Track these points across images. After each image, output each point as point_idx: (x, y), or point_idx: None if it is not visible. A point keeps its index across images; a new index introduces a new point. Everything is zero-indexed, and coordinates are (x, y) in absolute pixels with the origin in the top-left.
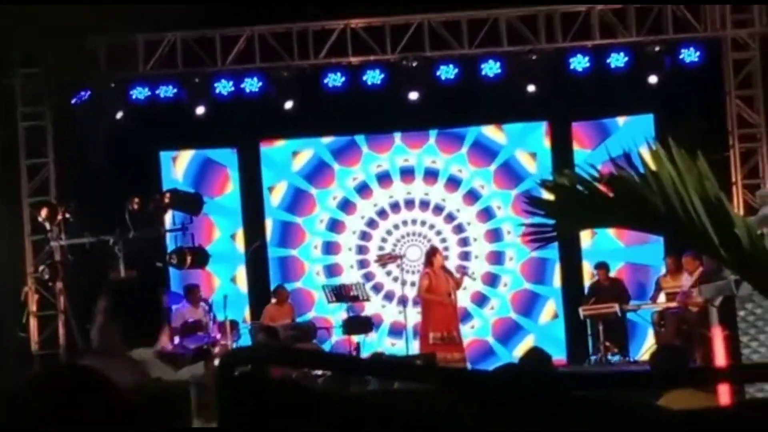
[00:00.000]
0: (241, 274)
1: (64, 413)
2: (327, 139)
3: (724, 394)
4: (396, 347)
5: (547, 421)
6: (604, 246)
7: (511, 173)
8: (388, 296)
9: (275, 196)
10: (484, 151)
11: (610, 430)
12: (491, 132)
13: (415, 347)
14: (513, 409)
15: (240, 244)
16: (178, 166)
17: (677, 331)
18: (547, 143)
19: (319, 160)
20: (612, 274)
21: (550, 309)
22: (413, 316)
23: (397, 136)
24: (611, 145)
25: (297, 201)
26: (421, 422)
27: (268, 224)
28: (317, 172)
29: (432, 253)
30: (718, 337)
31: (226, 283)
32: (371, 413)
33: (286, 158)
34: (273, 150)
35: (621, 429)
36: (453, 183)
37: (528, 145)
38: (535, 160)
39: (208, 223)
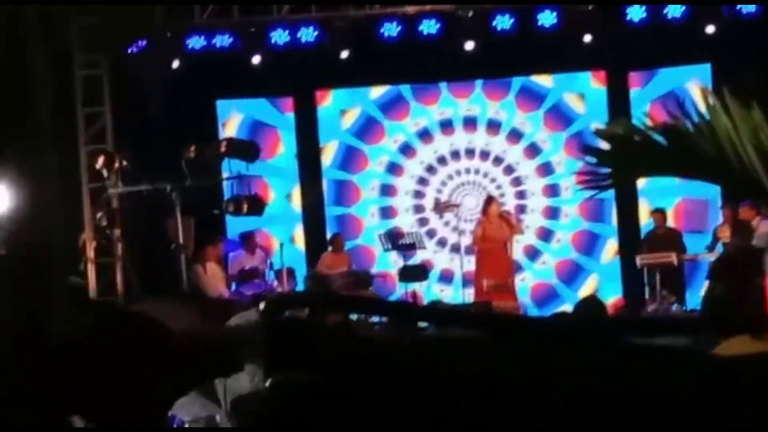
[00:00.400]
0: (299, 233)
1: (118, 358)
2: (375, 95)
3: None
4: (445, 293)
5: (602, 369)
6: (659, 183)
7: (560, 116)
8: (441, 243)
9: (326, 155)
10: (531, 96)
11: (664, 378)
12: (538, 78)
13: (466, 295)
14: (568, 357)
15: (296, 204)
16: (228, 131)
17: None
18: (594, 85)
19: (367, 117)
20: (670, 210)
21: (612, 247)
22: (466, 264)
23: (444, 87)
24: (661, 83)
25: (349, 159)
26: (475, 369)
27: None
28: (367, 129)
29: (488, 202)
30: None
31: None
32: (420, 360)
33: (335, 117)
34: (321, 109)
35: (675, 376)
36: (515, 135)
37: (575, 88)
38: (583, 102)
39: (262, 184)
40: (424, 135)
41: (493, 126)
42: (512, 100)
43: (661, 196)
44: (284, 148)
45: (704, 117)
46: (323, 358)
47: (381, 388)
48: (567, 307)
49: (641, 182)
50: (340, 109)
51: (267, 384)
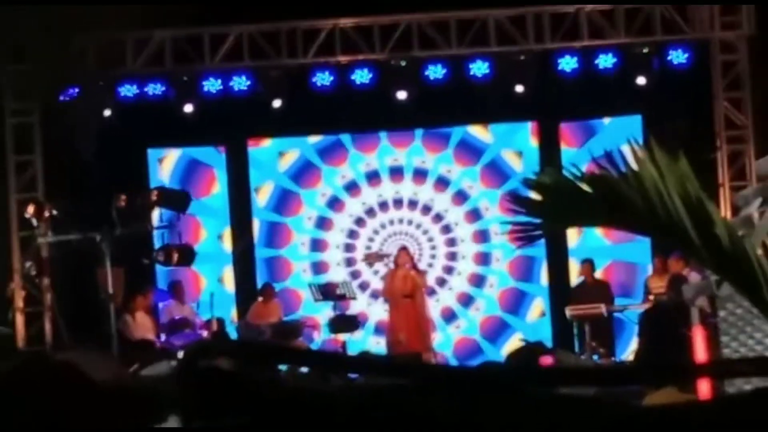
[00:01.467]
0: (229, 274)
1: (39, 407)
2: (313, 140)
3: (704, 392)
4: (381, 345)
5: (527, 418)
6: (590, 244)
7: (497, 172)
8: (374, 295)
9: (261, 196)
10: (469, 150)
11: (588, 428)
12: (477, 131)
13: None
14: (495, 405)
15: (227, 244)
16: (164, 167)
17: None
18: (533, 142)
19: (305, 161)
20: (598, 272)
21: (538, 307)
22: None
23: (384, 136)
24: (597, 145)
25: (284, 201)
26: (401, 417)
27: (256, 225)
28: (304, 173)
29: (397, 253)
30: (698, 336)
31: (213, 283)
32: (345, 408)
33: (273, 158)
34: (259, 150)
35: (600, 426)
36: (442, 183)
37: (514, 144)
38: (521, 159)
39: (195, 223)
40: (352, 187)
41: (420, 175)
42: (450, 153)
43: (592, 257)
44: (219, 188)
45: (631, 167)
46: (243, 406)
47: None
48: None
49: (572, 242)
50: (278, 150)
51: None
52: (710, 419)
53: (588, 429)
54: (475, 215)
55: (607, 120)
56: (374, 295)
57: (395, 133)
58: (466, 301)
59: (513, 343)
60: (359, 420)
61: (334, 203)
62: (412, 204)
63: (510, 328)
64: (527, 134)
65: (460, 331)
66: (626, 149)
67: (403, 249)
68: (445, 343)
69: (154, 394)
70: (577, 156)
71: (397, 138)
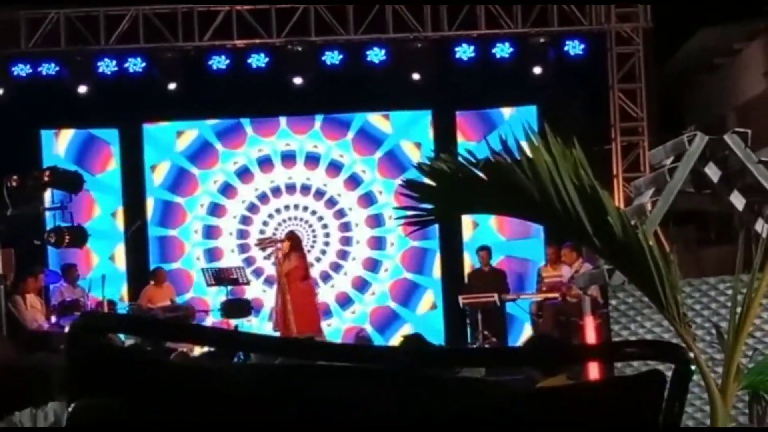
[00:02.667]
0: (120, 252)
1: None
2: (212, 121)
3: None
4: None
5: (422, 397)
6: (485, 238)
7: (395, 162)
8: (269, 281)
9: (158, 175)
10: (369, 139)
11: (478, 407)
12: (377, 120)
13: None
14: (389, 384)
15: (120, 223)
16: (60, 142)
17: (554, 321)
18: (432, 133)
19: (203, 141)
20: (493, 265)
21: (429, 299)
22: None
23: (283, 121)
24: (495, 137)
25: (179, 181)
26: (290, 395)
27: (150, 203)
28: (201, 153)
29: (284, 238)
30: (590, 326)
31: (104, 260)
32: (233, 386)
33: (170, 138)
34: (157, 129)
35: (487, 405)
36: (334, 168)
37: (413, 135)
38: (419, 150)
39: (88, 199)
40: (245, 172)
41: (312, 160)
42: (349, 141)
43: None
44: (114, 165)
45: (525, 154)
46: (128, 382)
47: (188, 413)
48: None
49: (467, 236)
50: (176, 130)
51: (69, 410)
52: (592, 400)
53: (478, 409)
54: (368, 200)
55: (505, 111)
56: (269, 281)
57: (294, 118)
58: (361, 285)
59: (402, 334)
60: (248, 398)
61: (227, 189)
62: (305, 189)
63: (400, 320)
64: (427, 125)
65: (351, 319)
66: (523, 137)
67: (290, 234)
68: (335, 332)
69: (41, 372)
70: (475, 149)
71: (297, 123)
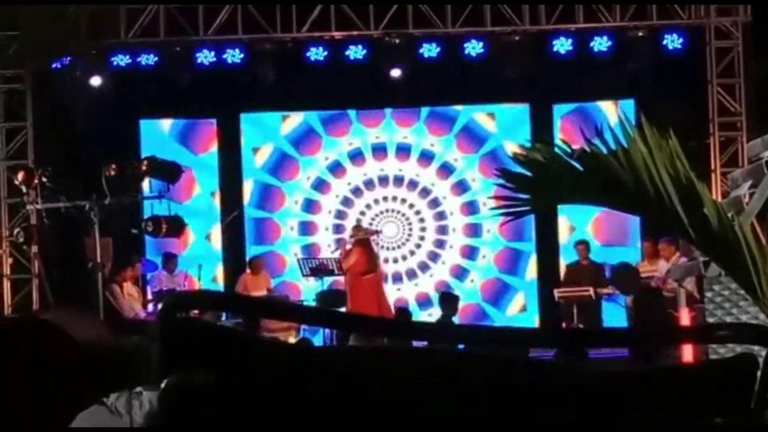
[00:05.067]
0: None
1: (19, 365)
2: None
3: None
4: None
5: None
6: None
7: (497, 162)
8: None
9: (260, 157)
10: (472, 137)
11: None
12: (482, 118)
13: None
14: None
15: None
16: (165, 122)
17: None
18: (530, 128)
19: (308, 127)
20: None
21: (519, 301)
22: (391, 291)
23: (388, 112)
24: (591, 129)
25: (281, 164)
26: (378, 379)
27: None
28: (305, 139)
29: (353, 231)
30: (685, 318)
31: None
32: (323, 367)
33: (276, 122)
34: (262, 114)
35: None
36: (425, 158)
37: (517, 136)
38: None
39: (189, 178)
40: (336, 168)
41: (403, 151)
42: (453, 138)
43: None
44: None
45: (622, 144)
46: (220, 359)
47: (280, 392)
48: None
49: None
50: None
51: (162, 385)
52: (683, 382)
53: (576, 389)
54: (461, 187)
55: (601, 104)
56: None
57: (399, 111)
58: (460, 273)
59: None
60: (340, 381)
61: (320, 185)
62: (398, 180)
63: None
64: (528, 125)
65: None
66: (618, 128)
67: (356, 227)
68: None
69: (135, 354)
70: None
71: (402, 115)
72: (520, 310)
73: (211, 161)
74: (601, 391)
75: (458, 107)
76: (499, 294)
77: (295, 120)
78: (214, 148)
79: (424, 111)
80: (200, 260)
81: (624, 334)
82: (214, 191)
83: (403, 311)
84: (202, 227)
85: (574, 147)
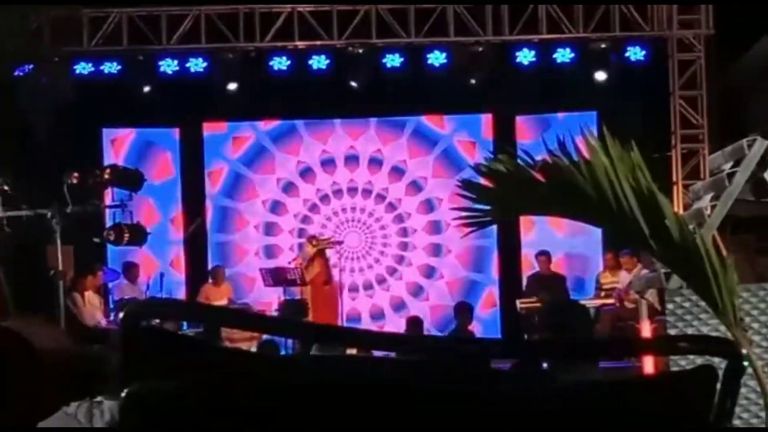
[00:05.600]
0: (180, 257)
1: None
2: (267, 126)
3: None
4: None
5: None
6: (543, 236)
7: (450, 163)
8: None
9: (214, 180)
10: (423, 140)
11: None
12: (432, 121)
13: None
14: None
15: (179, 228)
16: (117, 148)
17: (612, 326)
18: (487, 134)
19: (259, 147)
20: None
21: (490, 297)
22: (347, 301)
23: (338, 123)
24: (551, 137)
25: (237, 186)
26: (345, 386)
27: (209, 208)
28: (258, 158)
29: (306, 241)
30: (647, 330)
31: (164, 266)
32: (289, 375)
33: (227, 143)
34: (213, 135)
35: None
36: (397, 173)
37: (468, 136)
38: (475, 150)
39: (148, 206)
40: (307, 173)
41: (375, 163)
42: (404, 143)
43: (548, 249)
44: (173, 171)
45: (583, 156)
46: (182, 367)
47: (240, 397)
48: None
49: (525, 235)
50: (232, 135)
51: (122, 394)
52: (642, 393)
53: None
54: (428, 206)
55: (561, 115)
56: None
57: (349, 121)
58: (416, 291)
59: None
60: (305, 388)
61: (289, 188)
62: (366, 192)
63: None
64: (480, 125)
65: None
66: (580, 140)
67: (313, 237)
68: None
69: (96, 363)
70: (531, 148)
71: (351, 126)
72: (492, 306)
73: (168, 187)
74: (558, 404)
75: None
76: (468, 291)
77: (246, 140)
78: (170, 174)
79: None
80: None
81: (585, 345)
82: (173, 216)
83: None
84: (165, 254)
85: (537, 158)
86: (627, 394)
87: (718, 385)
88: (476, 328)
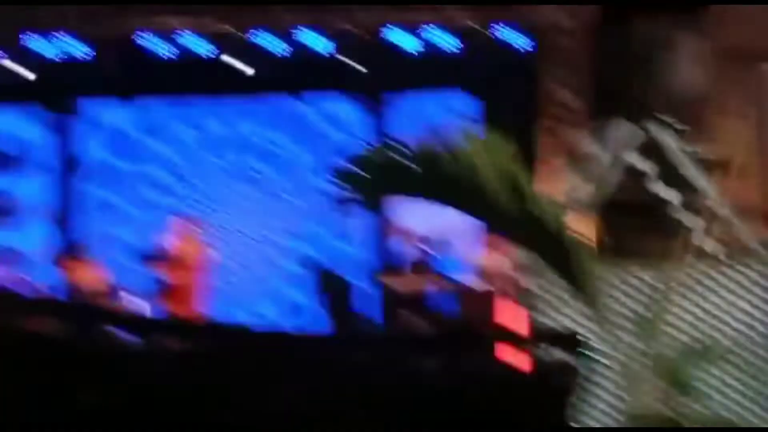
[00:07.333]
0: None
1: None
2: (136, 113)
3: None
4: None
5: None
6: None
7: (320, 144)
8: None
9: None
10: (291, 122)
11: None
12: (299, 103)
13: None
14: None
15: None
16: None
17: (479, 310)
18: (358, 117)
19: (128, 136)
20: None
21: None
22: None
23: (216, 104)
24: (425, 121)
25: (109, 176)
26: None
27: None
28: (127, 147)
29: None
30: (510, 314)
31: None
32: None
33: (95, 132)
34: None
35: None
36: (267, 154)
37: (338, 118)
38: (344, 132)
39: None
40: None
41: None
42: (274, 124)
43: None
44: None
45: (454, 142)
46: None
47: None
48: None
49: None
50: (99, 123)
51: None
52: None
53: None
54: (303, 185)
55: (439, 98)
56: None
57: (227, 101)
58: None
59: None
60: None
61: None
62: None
63: None
64: (353, 108)
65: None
66: (452, 125)
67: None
68: None
69: None
70: (402, 133)
71: (229, 107)
72: None
73: None
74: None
75: (302, 107)
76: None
77: (145, 105)
78: None
79: (272, 104)
80: None
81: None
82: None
83: None
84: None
85: (412, 146)
86: (487, 388)
87: (576, 382)
88: None
